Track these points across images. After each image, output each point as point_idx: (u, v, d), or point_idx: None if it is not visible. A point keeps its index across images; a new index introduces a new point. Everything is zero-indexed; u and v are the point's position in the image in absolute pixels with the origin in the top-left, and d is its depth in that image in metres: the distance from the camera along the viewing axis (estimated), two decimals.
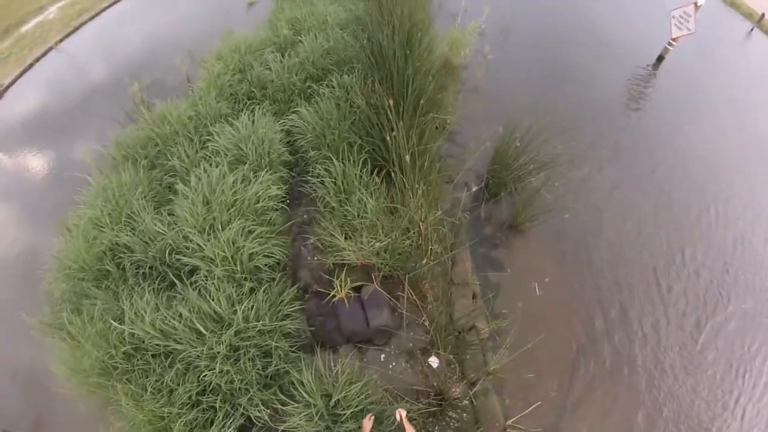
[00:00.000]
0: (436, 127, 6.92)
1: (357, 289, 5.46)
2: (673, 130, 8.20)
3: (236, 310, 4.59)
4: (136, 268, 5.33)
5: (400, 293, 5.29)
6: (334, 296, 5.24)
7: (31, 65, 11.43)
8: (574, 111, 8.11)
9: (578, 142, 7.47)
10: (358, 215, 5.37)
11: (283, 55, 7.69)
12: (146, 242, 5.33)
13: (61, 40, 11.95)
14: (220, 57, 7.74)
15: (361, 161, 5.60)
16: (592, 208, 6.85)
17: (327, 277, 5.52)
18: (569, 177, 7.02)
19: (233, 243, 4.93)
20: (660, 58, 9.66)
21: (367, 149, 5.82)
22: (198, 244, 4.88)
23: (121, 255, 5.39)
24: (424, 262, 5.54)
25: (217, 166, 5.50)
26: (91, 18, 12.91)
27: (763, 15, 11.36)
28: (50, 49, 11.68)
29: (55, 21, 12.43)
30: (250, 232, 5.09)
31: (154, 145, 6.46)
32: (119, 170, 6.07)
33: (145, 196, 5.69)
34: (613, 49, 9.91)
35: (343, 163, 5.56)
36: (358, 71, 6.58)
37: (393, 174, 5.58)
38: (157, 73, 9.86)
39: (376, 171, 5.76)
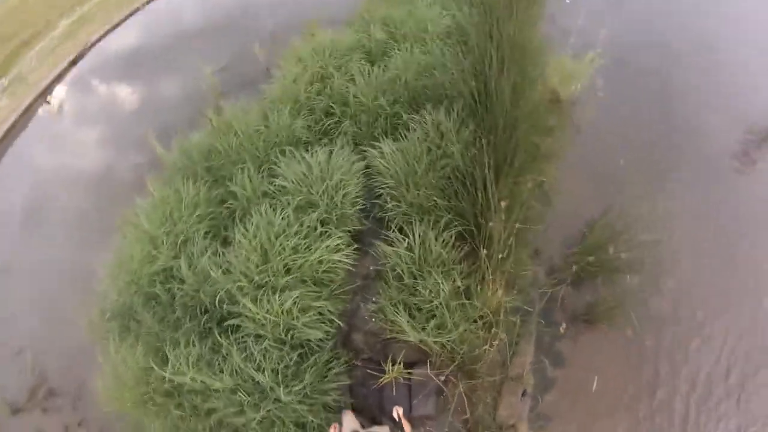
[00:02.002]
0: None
1: (407, 366, 4.57)
2: None
3: (279, 384, 3.94)
4: (185, 301, 4.66)
5: (451, 377, 4.52)
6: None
7: (118, 24, 10.82)
8: (680, 175, 6.58)
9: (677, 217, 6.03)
10: (429, 294, 4.34)
11: (372, 65, 6.47)
12: (199, 279, 4.62)
13: (148, 2, 11.21)
14: (301, 59, 6.61)
15: (443, 236, 4.51)
16: (677, 307, 5.48)
17: (380, 345, 4.74)
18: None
19: (287, 312, 4.05)
20: None
21: (454, 219, 4.67)
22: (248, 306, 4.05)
23: (173, 281, 4.78)
24: (485, 349, 4.52)
25: (281, 210, 4.54)
26: None
27: None
28: (137, 9, 10.98)
29: None
30: (310, 299, 4.19)
31: (218, 157, 5.59)
32: (180, 182, 5.27)
33: (202, 220, 4.89)
34: (736, 98, 7.73)
35: (423, 230, 4.47)
36: (457, 112, 5.27)
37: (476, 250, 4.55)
38: (234, 59, 8.92)
39: (458, 246, 4.67)
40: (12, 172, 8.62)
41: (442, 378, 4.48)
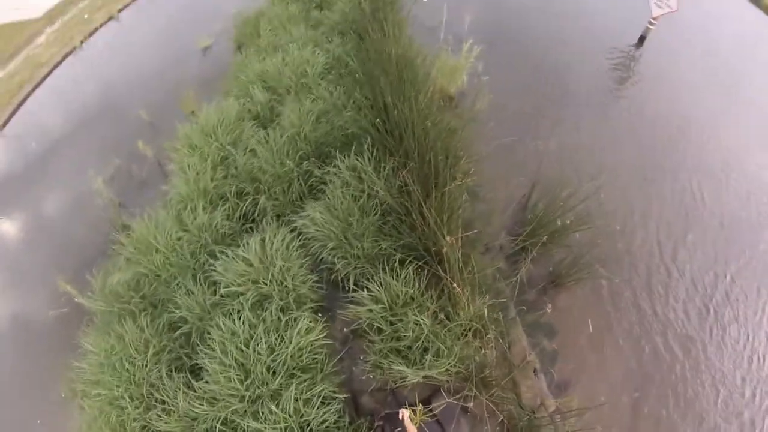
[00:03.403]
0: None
1: (426, 402, 4.43)
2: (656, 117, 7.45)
3: None
4: None
5: (468, 392, 4.40)
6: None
7: None
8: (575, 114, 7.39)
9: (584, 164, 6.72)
10: (413, 333, 4.27)
11: (265, 129, 6.20)
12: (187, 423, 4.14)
13: (6, 123, 9.94)
14: (193, 146, 6.16)
15: (402, 275, 4.44)
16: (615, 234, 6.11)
17: (390, 396, 4.58)
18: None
19: (295, 412, 3.83)
20: (642, 39, 8.57)
21: (405, 254, 4.62)
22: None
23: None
24: (483, 353, 4.60)
25: (238, 315, 4.22)
26: (33, 89, 10.81)
27: None
28: None
29: None
30: (309, 390, 3.96)
31: (147, 281, 5.08)
32: (118, 325, 4.70)
33: (159, 360, 4.43)
34: (595, 33, 8.89)
35: (383, 279, 4.41)
36: (368, 148, 5.17)
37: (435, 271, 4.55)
38: (119, 159, 8.18)
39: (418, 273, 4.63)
40: None
41: (461, 397, 4.40)
